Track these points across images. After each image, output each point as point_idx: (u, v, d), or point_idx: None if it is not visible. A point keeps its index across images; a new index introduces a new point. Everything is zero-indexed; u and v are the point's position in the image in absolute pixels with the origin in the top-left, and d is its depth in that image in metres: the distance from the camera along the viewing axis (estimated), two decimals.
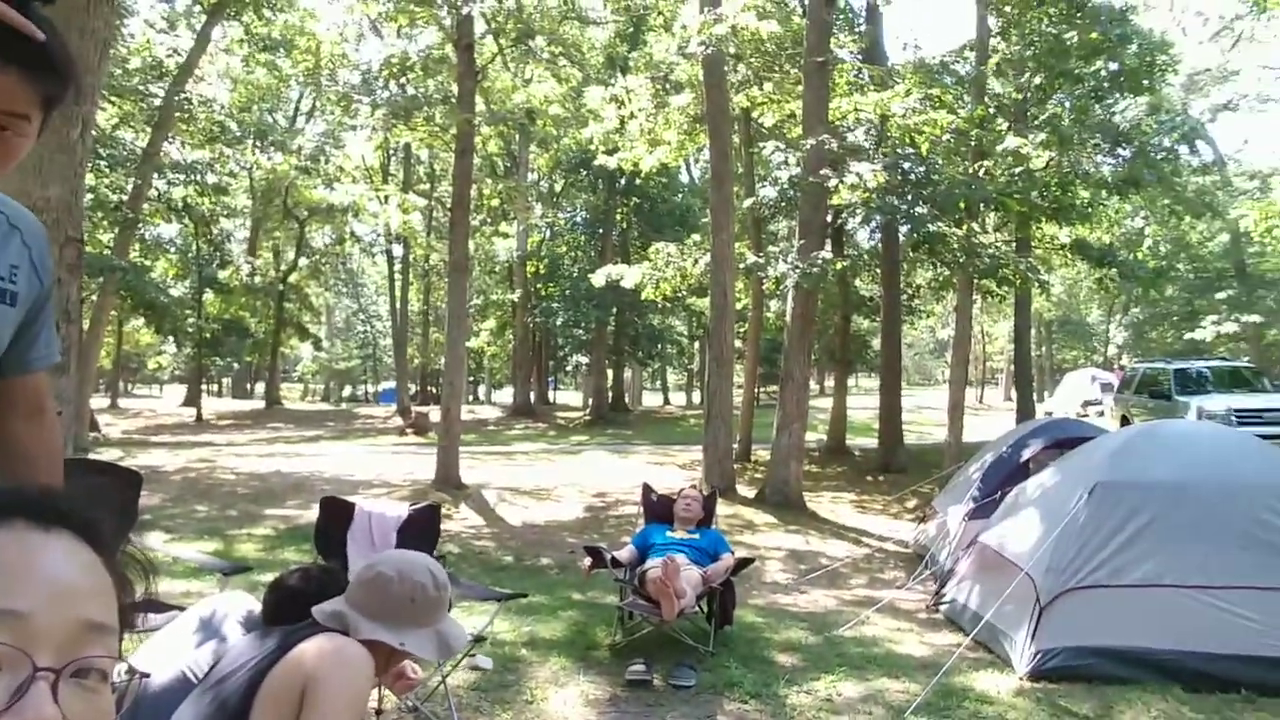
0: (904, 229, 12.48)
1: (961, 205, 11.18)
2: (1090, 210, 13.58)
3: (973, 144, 11.89)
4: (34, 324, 1.35)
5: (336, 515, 4.26)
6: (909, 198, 10.82)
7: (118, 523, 3.72)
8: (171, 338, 29.15)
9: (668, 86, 13.73)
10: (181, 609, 2.88)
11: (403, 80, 14.18)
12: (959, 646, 4.67)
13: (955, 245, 11.36)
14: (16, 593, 0.56)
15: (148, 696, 2.00)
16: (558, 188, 28.99)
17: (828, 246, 11.54)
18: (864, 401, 25.01)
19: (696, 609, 4.78)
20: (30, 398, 1.40)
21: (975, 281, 13.03)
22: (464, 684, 4.06)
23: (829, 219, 11.64)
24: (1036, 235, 14.90)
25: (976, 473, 7.73)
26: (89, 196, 19.08)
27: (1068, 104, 13.22)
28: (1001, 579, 4.94)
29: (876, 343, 17.99)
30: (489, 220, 29.04)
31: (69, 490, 0.65)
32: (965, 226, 11.46)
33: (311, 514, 4.34)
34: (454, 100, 12.59)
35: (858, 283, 17.47)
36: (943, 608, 5.92)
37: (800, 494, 11.02)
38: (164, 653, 2.16)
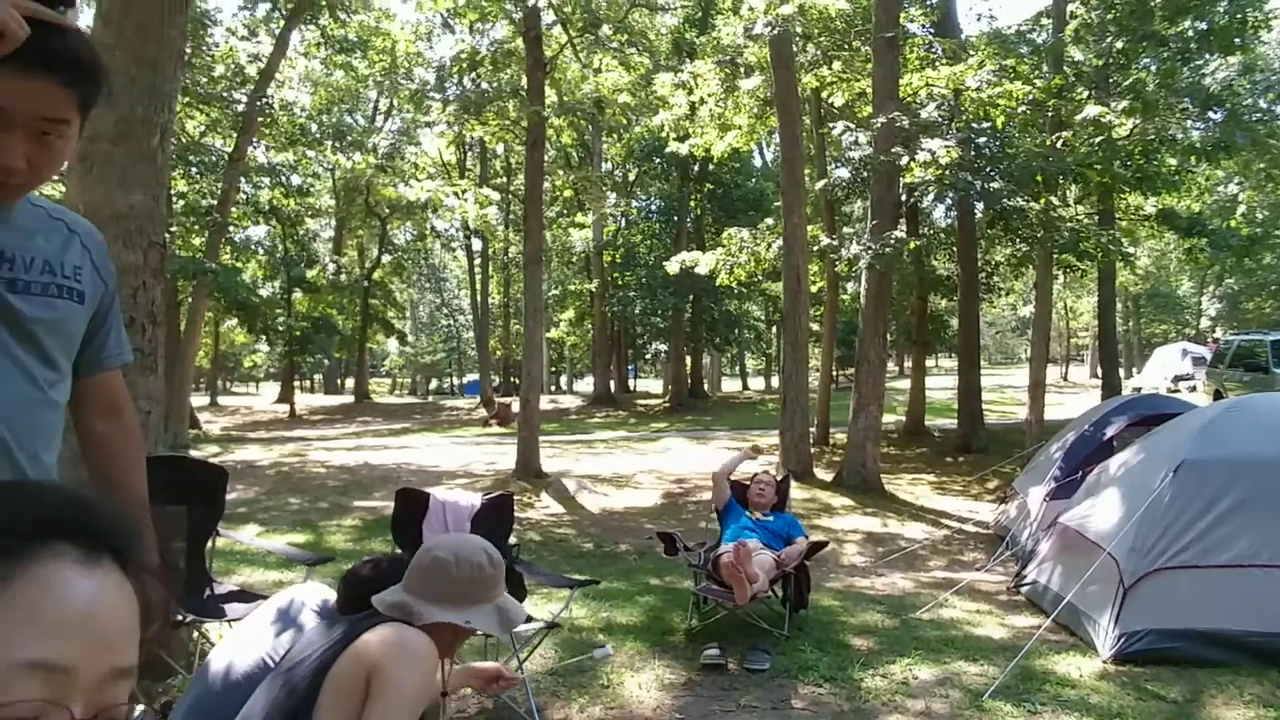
0: (979, 205, 12.13)
1: (1039, 178, 10.82)
2: (1178, 178, 12.88)
3: (1050, 115, 11.49)
4: (103, 324, 1.44)
5: (412, 506, 4.28)
6: (985, 172, 10.51)
7: (206, 516, 3.90)
8: (263, 336, 30.12)
9: (737, 70, 13.64)
10: (266, 599, 3.01)
11: (473, 75, 14.46)
12: (1039, 628, 4.59)
13: (1033, 220, 11.00)
14: (63, 641, 0.55)
15: (230, 682, 2.09)
16: (631, 176, 29.03)
17: (902, 226, 11.32)
18: (944, 382, 24.45)
19: (770, 593, 4.79)
20: (106, 397, 1.48)
21: (1055, 256, 12.64)
22: (541, 669, 4.15)
23: (902, 198, 11.41)
24: (1120, 206, 14.29)
25: (1058, 452, 7.52)
26: (180, 202, 20.05)
27: (1153, 68, 12.60)
28: (1083, 560, 4.82)
29: (956, 322, 17.53)
30: (565, 211, 29.22)
31: (105, 501, 0.64)
32: (1043, 200, 11.10)
33: None
34: (524, 93, 12.77)
35: (934, 261, 17.05)
36: (1023, 589, 5.80)
37: (878, 476, 10.91)
38: (246, 640, 2.25)
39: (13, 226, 1.27)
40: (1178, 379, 22.23)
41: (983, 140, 11.13)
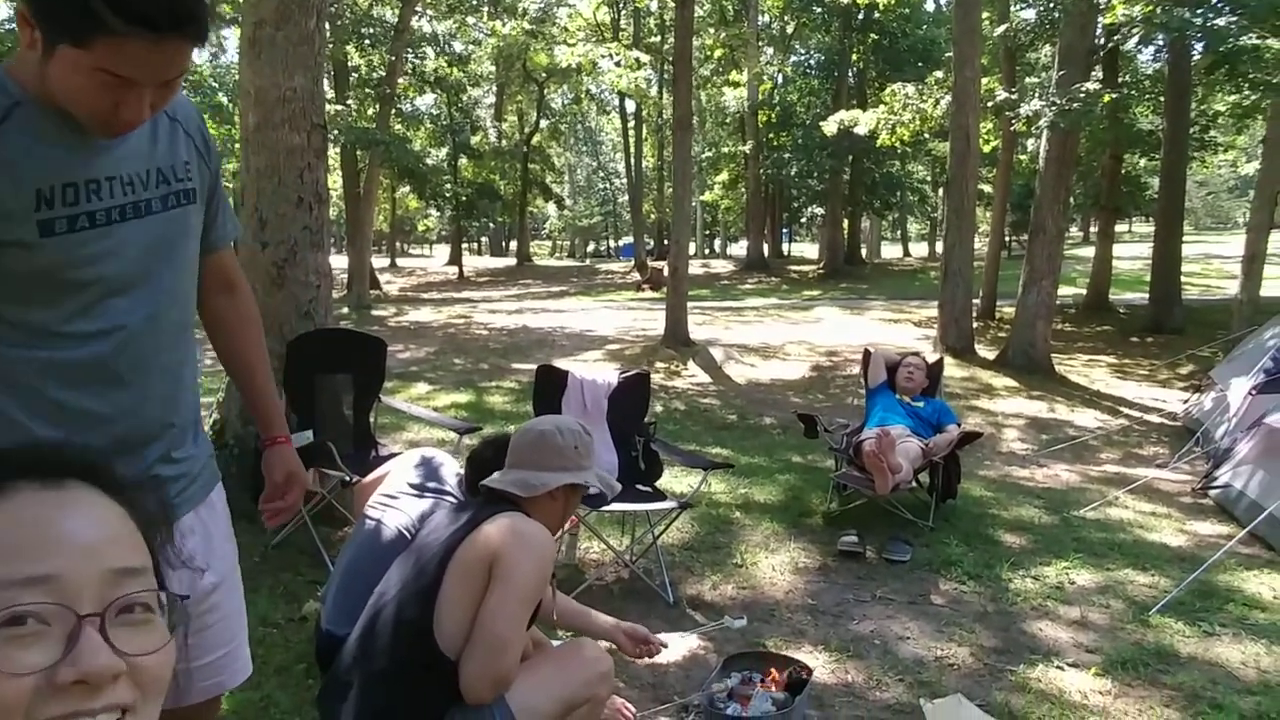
0: (1198, 47, 10.40)
1: None
2: None
3: None
4: (210, 207, 1.44)
5: (552, 382, 4.33)
6: (1211, 5, 8.88)
7: (370, 383, 4.21)
8: (433, 202, 31.66)
9: None
10: None
11: None
12: (1229, 540, 4.13)
13: (1269, 62, 9.31)
14: (42, 556, 0.57)
15: (378, 545, 2.30)
16: (789, 29, 27.28)
17: (1096, 75, 9.92)
18: (1136, 250, 22.13)
19: (915, 483, 4.58)
20: (219, 275, 1.53)
21: None
22: (677, 543, 4.19)
23: (1099, 42, 9.95)
24: None
25: (1273, 339, 6.55)
26: (354, 75, 20.78)
27: None
28: None
29: (1157, 183, 15.48)
30: (719, 70, 28.09)
31: (62, 442, 0.67)
32: None
33: None
34: None
35: (1135, 114, 14.98)
36: (1212, 493, 5.24)
37: (1048, 357, 10.16)
38: (389, 512, 2.43)
39: (125, 144, 1.24)
40: None
41: None
